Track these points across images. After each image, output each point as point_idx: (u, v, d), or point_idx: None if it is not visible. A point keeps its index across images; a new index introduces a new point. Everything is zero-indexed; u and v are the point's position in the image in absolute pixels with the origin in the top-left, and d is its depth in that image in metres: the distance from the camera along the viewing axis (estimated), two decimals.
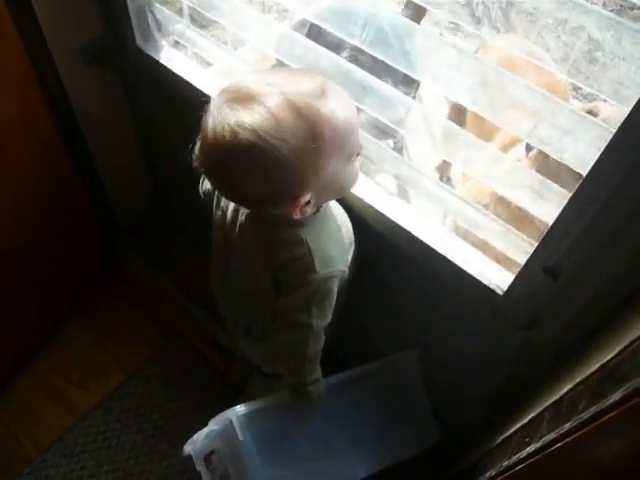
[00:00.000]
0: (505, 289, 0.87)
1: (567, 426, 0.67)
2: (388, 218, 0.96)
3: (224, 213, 0.92)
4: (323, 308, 0.88)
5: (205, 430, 0.96)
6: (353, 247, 0.94)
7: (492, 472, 0.93)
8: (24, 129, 1.21)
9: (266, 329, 1.02)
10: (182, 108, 1.10)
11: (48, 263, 1.46)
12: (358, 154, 0.79)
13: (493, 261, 0.93)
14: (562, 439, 0.68)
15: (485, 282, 0.89)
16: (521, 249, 0.85)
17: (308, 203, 0.74)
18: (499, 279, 0.90)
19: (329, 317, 0.90)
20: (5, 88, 1.11)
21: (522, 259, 0.83)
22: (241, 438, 0.94)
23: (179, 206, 1.70)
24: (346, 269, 0.89)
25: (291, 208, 0.73)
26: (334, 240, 0.88)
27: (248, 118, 0.66)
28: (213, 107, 0.70)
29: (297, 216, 0.75)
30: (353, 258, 0.95)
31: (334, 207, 0.92)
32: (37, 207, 1.35)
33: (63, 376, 1.55)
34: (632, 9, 2.40)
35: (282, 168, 0.67)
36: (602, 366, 0.67)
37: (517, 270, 0.85)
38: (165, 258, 1.71)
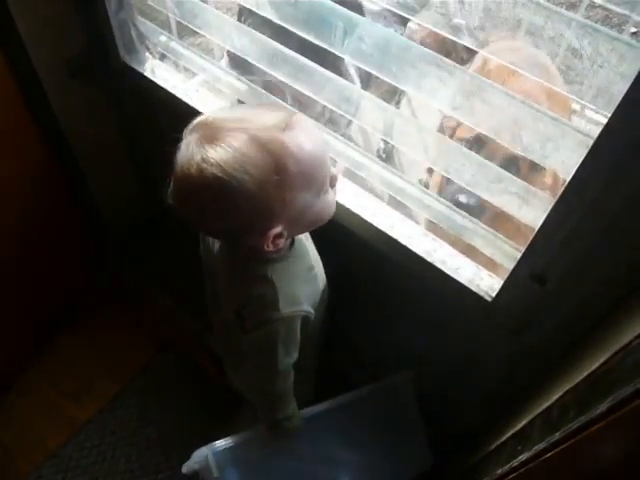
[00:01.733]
0: (494, 295, 0.87)
1: (557, 435, 0.67)
2: (374, 226, 0.95)
3: (207, 243, 0.93)
4: (287, 347, 0.87)
5: (187, 465, 0.96)
6: (324, 288, 0.94)
7: None
8: (9, 142, 1.21)
9: (236, 364, 1.03)
10: (167, 119, 1.10)
11: (38, 276, 1.46)
12: (333, 185, 0.80)
13: (481, 266, 0.92)
14: (553, 448, 0.67)
15: (473, 289, 0.89)
16: (508, 255, 0.85)
17: (280, 236, 0.74)
18: (487, 285, 0.89)
19: (294, 355, 0.90)
20: None
21: (510, 265, 0.83)
22: (215, 474, 0.93)
23: (170, 216, 1.69)
24: (312, 310, 0.88)
25: (262, 240, 0.74)
26: (304, 279, 0.88)
27: (213, 154, 0.67)
28: (183, 145, 0.72)
29: (270, 248, 0.75)
30: (324, 298, 0.95)
31: (310, 247, 0.92)
32: (26, 220, 1.34)
33: (56, 390, 1.54)
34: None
35: (248, 201, 0.69)
36: (590, 374, 0.66)
37: (505, 275, 0.85)
38: (158, 268, 1.70)
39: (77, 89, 1.28)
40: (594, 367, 0.66)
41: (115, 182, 1.59)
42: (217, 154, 0.67)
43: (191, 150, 0.69)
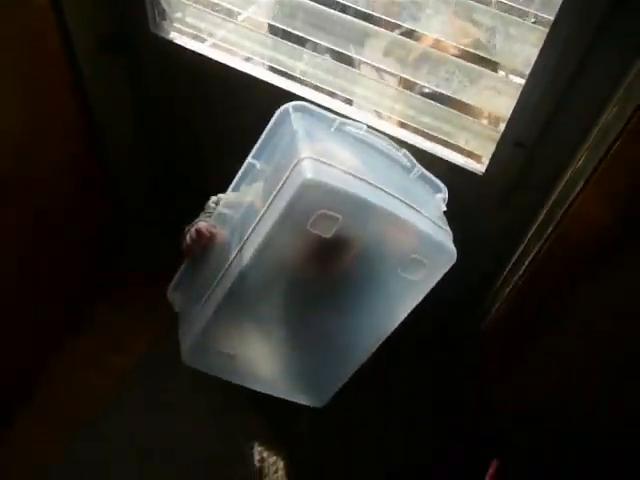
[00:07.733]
0: (484, 170, 1.13)
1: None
2: None
3: None
4: None
5: None
6: None
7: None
8: (53, 118, 1.26)
9: None
10: (190, 84, 1.27)
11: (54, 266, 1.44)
12: None
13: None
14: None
15: (465, 166, 1.14)
16: (488, 135, 1.11)
17: None
18: (476, 168, 1.15)
19: None
20: (42, 74, 1.20)
21: (494, 141, 1.08)
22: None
23: (188, 197, 1.53)
24: None
25: None
26: None
27: None
28: None
29: None
30: None
31: None
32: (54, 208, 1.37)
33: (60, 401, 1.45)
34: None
35: None
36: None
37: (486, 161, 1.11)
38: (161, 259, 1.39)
39: (107, 61, 1.37)
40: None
41: (134, 158, 1.64)
42: None
43: None
